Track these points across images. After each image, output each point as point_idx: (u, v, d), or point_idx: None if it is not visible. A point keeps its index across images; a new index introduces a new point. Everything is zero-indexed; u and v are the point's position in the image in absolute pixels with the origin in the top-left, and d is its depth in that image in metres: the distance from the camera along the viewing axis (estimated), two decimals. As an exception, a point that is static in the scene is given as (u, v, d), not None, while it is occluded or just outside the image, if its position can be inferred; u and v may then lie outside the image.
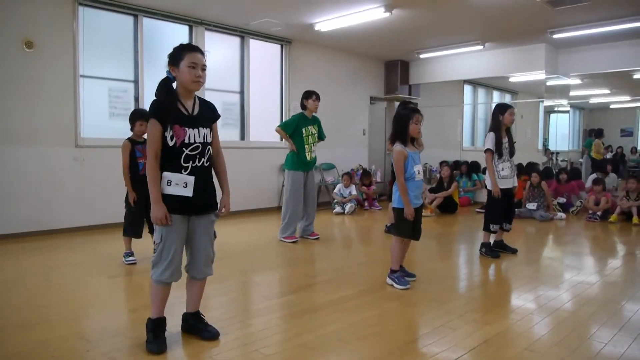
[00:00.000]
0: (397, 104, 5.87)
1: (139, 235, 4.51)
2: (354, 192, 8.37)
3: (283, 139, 5.83)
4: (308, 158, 5.62)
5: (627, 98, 11.37)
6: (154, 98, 2.61)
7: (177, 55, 2.57)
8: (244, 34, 7.95)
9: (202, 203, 2.65)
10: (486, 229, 5.00)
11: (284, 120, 5.66)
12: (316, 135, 5.73)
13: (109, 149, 6.33)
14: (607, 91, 11.33)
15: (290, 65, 8.69)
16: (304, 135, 5.59)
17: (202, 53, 2.61)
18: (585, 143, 11.18)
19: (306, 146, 5.61)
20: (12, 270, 4.37)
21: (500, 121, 4.85)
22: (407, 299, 3.59)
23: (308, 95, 5.66)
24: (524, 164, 8.77)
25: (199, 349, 2.66)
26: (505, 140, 4.87)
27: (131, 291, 3.94)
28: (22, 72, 5.72)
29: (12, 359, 2.52)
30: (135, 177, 4.41)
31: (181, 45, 2.62)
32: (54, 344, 2.69)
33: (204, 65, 2.60)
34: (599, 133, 11.08)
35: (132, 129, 4.45)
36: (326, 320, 3.11)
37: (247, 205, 7.98)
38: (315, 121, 5.76)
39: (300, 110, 5.76)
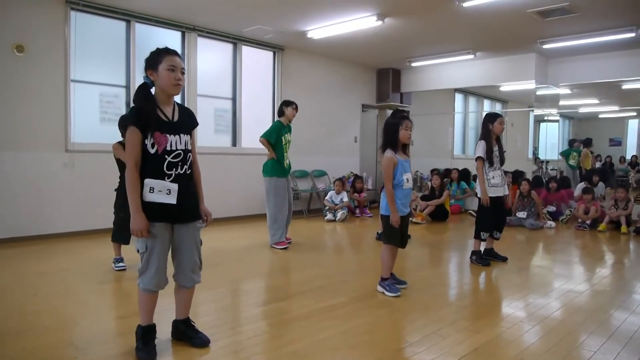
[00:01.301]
0: (389, 112, 5.92)
1: (127, 242, 4.48)
2: (346, 199, 8.38)
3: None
4: (285, 165, 5.71)
5: (616, 108, 11.50)
6: (132, 105, 2.58)
7: (155, 58, 2.53)
8: (236, 40, 7.96)
9: (186, 210, 2.62)
10: (477, 236, 5.03)
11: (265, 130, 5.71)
12: (290, 143, 5.83)
13: (100, 154, 6.30)
14: (596, 101, 11.45)
15: (282, 72, 8.71)
16: (283, 143, 5.68)
17: (180, 56, 2.58)
18: (563, 151, 11.17)
19: (285, 154, 5.70)
20: (0, 276, 4.31)
21: (490, 130, 4.90)
22: (398, 307, 3.59)
23: (288, 103, 5.76)
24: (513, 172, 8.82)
25: (189, 356, 2.65)
26: (495, 148, 4.91)
27: (121, 298, 3.91)
28: (12, 77, 5.69)
29: (-2, 367, 2.49)
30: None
31: (158, 49, 2.58)
32: (42, 351, 2.66)
33: (183, 69, 2.57)
34: (587, 142, 11.18)
35: (124, 135, 4.42)
36: (317, 327, 3.10)
37: (238, 211, 7.96)
38: (290, 130, 5.87)
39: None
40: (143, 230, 2.46)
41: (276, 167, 5.64)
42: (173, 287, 2.78)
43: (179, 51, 2.69)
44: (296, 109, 5.77)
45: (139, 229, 2.46)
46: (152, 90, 2.58)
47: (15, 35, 5.69)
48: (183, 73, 2.57)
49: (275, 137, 5.63)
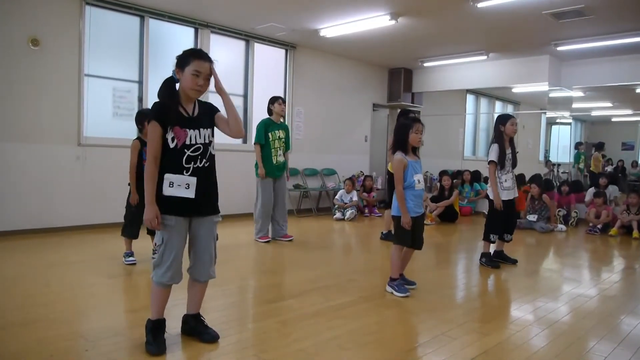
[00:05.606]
0: (399, 111, 5.92)
1: (135, 236, 4.51)
2: (355, 198, 8.38)
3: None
4: (274, 162, 5.75)
5: (629, 112, 11.38)
6: (157, 99, 2.62)
7: (185, 59, 2.57)
8: (249, 37, 7.98)
9: (205, 204, 2.65)
10: (486, 238, 5.01)
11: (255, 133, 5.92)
12: (283, 140, 5.85)
13: (112, 148, 6.35)
14: (609, 104, 11.33)
15: (294, 70, 8.72)
16: (271, 139, 5.73)
17: (210, 62, 2.61)
18: (574, 157, 11.03)
19: (272, 150, 5.74)
20: (12, 267, 4.36)
21: (502, 132, 4.86)
22: (407, 307, 3.59)
23: (274, 100, 5.83)
24: (525, 175, 8.76)
25: (198, 351, 2.66)
26: (508, 151, 4.87)
27: (131, 291, 3.94)
28: (27, 70, 5.74)
29: (10, 358, 2.51)
30: (141, 177, 4.43)
31: (192, 50, 2.62)
32: (53, 342, 2.69)
33: (208, 75, 2.60)
34: (599, 146, 11.06)
35: (141, 130, 4.45)
36: (325, 326, 3.10)
37: (249, 208, 7.96)
38: (283, 127, 5.91)
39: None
40: (153, 220, 2.51)
41: (263, 167, 5.73)
42: (183, 282, 2.79)
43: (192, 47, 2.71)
44: (283, 102, 5.83)
45: (149, 218, 2.51)
46: (177, 86, 2.62)
47: (30, 28, 5.73)
48: (208, 79, 2.60)
49: (263, 136, 5.72)
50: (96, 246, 5.36)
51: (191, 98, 2.64)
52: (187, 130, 2.57)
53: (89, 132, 6.29)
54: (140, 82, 6.82)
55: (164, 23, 7.00)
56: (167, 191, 2.54)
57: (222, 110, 2.74)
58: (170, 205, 2.55)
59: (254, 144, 5.82)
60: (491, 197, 4.89)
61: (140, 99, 6.81)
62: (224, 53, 7.84)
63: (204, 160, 2.63)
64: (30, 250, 5.08)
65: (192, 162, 2.58)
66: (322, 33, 7.64)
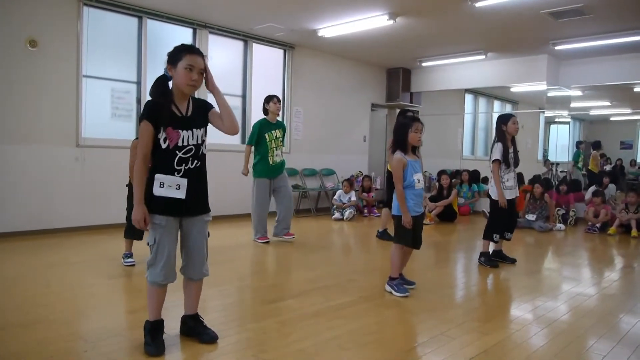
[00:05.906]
0: (398, 111, 5.92)
1: (140, 237, 4.49)
2: (354, 198, 8.38)
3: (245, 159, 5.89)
4: (271, 162, 5.71)
5: (628, 111, 11.41)
6: (149, 98, 2.59)
7: (176, 55, 2.53)
8: (247, 38, 7.98)
9: (195, 204, 2.63)
10: (488, 237, 5.00)
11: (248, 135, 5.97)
12: (280, 139, 5.83)
13: (110, 149, 6.34)
14: (607, 103, 11.36)
15: (292, 71, 8.72)
16: (267, 140, 5.70)
17: (202, 56, 2.57)
18: (574, 156, 11.05)
19: (269, 150, 5.71)
20: (12, 268, 4.36)
21: (504, 131, 4.86)
22: (406, 307, 3.59)
23: (269, 99, 5.81)
24: (524, 175, 8.77)
25: (197, 351, 2.66)
26: (511, 150, 4.88)
27: (130, 292, 3.94)
28: (25, 71, 5.73)
29: (10, 359, 2.51)
30: None
31: (182, 45, 2.58)
32: (53, 343, 2.69)
33: (202, 69, 2.56)
34: (596, 145, 11.08)
35: None
36: (325, 326, 3.10)
37: (248, 209, 7.95)
38: (280, 126, 5.90)
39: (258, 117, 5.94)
40: (140, 221, 2.51)
41: (259, 167, 5.75)
42: (181, 283, 2.80)
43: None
44: (278, 101, 5.81)
45: (137, 219, 2.51)
46: (170, 84, 2.59)
47: (28, 29, 5.73)
48: (202, 73, 2.56)
49: (256, 137, 5.70)
50: (96, 247, 5.36)
51: (185, 95, 2.60)
52: (180, 131, 2.54)
53: (87, 133, 6.29)
54: (138, 83, 6.82)
55: (162, 23, 7.00)
56: (158, 191, 2.53)
57: (216, 107, 2.70)
58: (161, 205, 2.54)
59: (246, 144, 5.84)
60: (493, 196, 4.89)
61: (139, 100, 6.80)
62: (223, 53, 7.84)
63: (195, 161, 2.61)
64: (30, 251, 5.08)
65: (184, 164, 2.56)
66: (321, 33, 7.64)
